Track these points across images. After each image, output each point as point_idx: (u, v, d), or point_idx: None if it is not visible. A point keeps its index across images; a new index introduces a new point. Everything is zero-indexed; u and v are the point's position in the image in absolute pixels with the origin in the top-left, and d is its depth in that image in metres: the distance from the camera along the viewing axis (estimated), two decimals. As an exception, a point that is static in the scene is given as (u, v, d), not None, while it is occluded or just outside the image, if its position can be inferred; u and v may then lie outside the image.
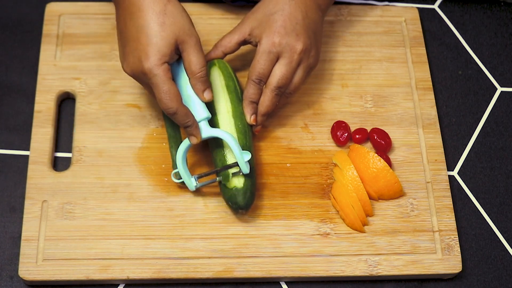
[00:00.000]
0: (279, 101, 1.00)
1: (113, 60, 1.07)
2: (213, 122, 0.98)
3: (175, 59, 0.94)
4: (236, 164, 0.94)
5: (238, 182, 0.95)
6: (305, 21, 0.98)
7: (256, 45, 0.99)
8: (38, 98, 1.03)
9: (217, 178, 0.96)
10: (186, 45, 0.92)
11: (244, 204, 0.94)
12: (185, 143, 0.95)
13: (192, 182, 0.96)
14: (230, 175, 0.94)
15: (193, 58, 0.92)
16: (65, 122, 1.04)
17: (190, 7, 1.12)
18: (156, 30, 0.90)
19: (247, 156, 0.94)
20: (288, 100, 1.02)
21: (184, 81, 0.95)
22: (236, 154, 0.93)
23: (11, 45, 1.10)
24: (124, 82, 1.06)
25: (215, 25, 1.11)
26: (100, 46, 1.08)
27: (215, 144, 0.97)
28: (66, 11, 1.10)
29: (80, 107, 1.04)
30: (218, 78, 1.00)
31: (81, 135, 1.02)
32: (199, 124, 0.94)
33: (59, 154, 1.02)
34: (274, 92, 0.98)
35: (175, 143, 1.01)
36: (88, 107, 1.04)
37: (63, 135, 1.03)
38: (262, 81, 0.98)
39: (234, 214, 0.97)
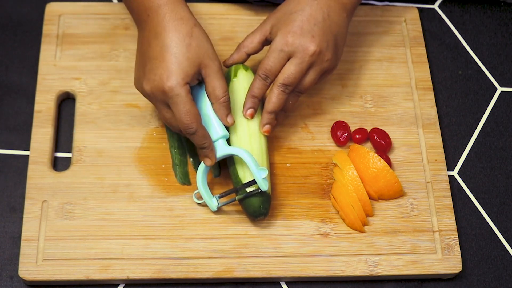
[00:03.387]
0: (288, 102, 0.98)
1: (113, 60, 1.07)
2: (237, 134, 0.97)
3: (195, 82, 0.93)
4: (253, 182, 0.94)
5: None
6: (325, 22, 0.96)
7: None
8: (38, 98, 1.03)
9: (237, 197, 0.95)
10: (209, 70, 0.92)
11: (266, 211, 0.95)
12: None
13: (213, 202, 0.95)
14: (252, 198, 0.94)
15: (216, 83, 0.93)
16: (65, 122, 1.04)
17: (190, 7, 1.11)
18: (182, 50, 0.91)
19: (264, 173, 0.93)
20: (297, 101, 1.00)
21: (203, 102, 0.95)
22: (253, 172, 0.93)
23: (11, 45, 1.10)
24: (124, 82, 1.06)
25: (215, 25, 1.11)
26: (100, 46, 1.08)
27: (233, 161, 0.97)
28: (66, 11, 1.10)
29: (80, 107, 1.04)
30: (243, 88, 0.99)
31: (81, 135, 1.02)
32: (217, 142, 0.94)
33: (59, 154, 1.02)
34: (279, 88, 0.96)
35: (175, 143, 1.01)
36: (88, 107, 1.04)
37: (63, 135, 1.03)
38: (269, 78, 0.96)
39: (251, 221, 0.97)
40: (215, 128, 0.94)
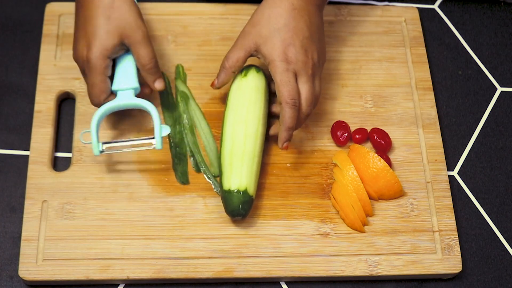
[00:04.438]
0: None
1: (113, 60, 1.07)
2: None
3: (120, 53, 0.97)
4: (151, 138, 0.96)
5: (234, 184, 0.94)
6: (310, 30, 0.96)
7: (263, 62, 0.97)
8: (38, 98, 1.03)
9: (124, 149, 0.97)
10: (131, 40, 0.95)
11: (237, 210, 0.94)
12: (108, 106, 0.96)
13: (98, 147, 0.96)
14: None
15: (140, 52, 0.95)
16: (65, 122, 1.04)
17: (190, 7, 1.12)
18: (101, 23, 0.93)
19: (166, 131, 0.95)
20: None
21: (125, 55, 0.98)
22: (155, 126, 0.95)
23: (11, 45, 1.10)
24: (124, 82, 1.06)
25: (215, 25, 1.11)
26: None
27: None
28: (66, 11, 1.10)
29: (80, 107, 1.04)
30: (251, 87, 0.99)
31: (81, 135, 1.02)
32: (126, 92, 0.97)
33: (59, 154, 1.02)
34: (309, 112, 0.96)
35: (175, 143, 1.01)
36: (88, 107, 1.04)
37: (63, 135, 1.03)
38: (296, 101, 0.94)
39: (231, 220, 0.97)
40: (129, 77, 0.97)
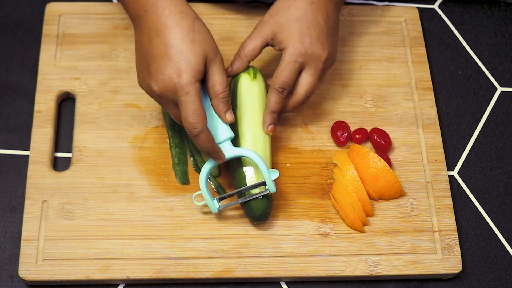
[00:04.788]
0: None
1: (113, 60, 1.07)
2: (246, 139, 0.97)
3: (203, 77, 0.91)
4: (261, 184, 0.93)
5: (261, 189, 0.95)
6: (327, 25, 0.97)
7: (278, 49, 0.97)
8: (38, 98, 1.03)
9: (239, 200, 0.95)
10: (213, 64, 0.90)
11: (265, 214, 0.95)
12: (209, 164, 0.94)
13: (215, 205, 0.94)
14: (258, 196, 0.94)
15: (217, 78, 0.91)
16: (65, 122, 1.04)
17: (190, 7, 1.12)
18: (188, 46, 0.88)
19: (275, 174, 0.93)
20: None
21: (207, 101, 0.93)
22: (264, 173, 0.92)
23: (11, 45, 1.10)
24: (124, 82, 1.06)
25: (215, 25, 1.11)
26: (100, 46, 1.08)
27: (239, 162, 0.96)
28: (66, 11, 1.10)
29: (80, 107, 1.04)
30: (261, 91, 0.99)
31: (81, 135, 1.02)
32: (223, 144, 0.93)
33: (59, 154, 1.02)
34: (300, 102, 0.98)
35: (175, 143, 1.01)
36: (88, 107, 1.04)
37: (63, 135, 1.03)
38: (285, 90, 0.96)
39: (252, 224, 0.97)
40: (220, 129, 0.93)
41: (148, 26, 0.90)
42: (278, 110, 0.97)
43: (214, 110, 0.93)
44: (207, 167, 0.94)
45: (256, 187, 0.94)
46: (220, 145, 0.93)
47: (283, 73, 0.95)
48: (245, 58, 0.98)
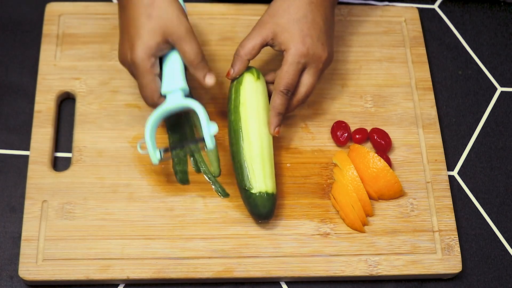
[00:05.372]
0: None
1: (113, 60, 1.07)
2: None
3: (164, 51, 0.94)
4: (201, 139, 0.94)
5: (269, 187, 0.94)
6: (326, 25, 0.98)
7: (278, 50, 0.98)
8: (38, 98, 1.03)
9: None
10: (175, 36, 0.93)
11: (270, 212, 0.95)
12: (159, 112, 0.94)
13: (156, 155, 0.94)
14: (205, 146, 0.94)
15: (186, 48, 0.93)
16: (65, 122, 1.04)
17: (190, 7, 1.12)
18: (143, 22, 0.92)
19: (214, 128, 0.93)
20: None
21: (171, 54, 0.96)
22: (202, 127, 0.93)
23: (11, 45, 1.10)
24: (124, 82, 1.06)
25: (215, 25, 1.11)
26: (100, 46, 1.08)
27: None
28: (66, 11, 1.10)
29: (80, 107, 1.04)
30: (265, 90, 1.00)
31: (81, 135, 1.02)
32: (175, 93, 0.94)
33: (59, 154, 1.02)
34: (301, 102, 0.99)
35: (175, 143, 1.01)
36: (88, 107, 1.04)
37: (63, 135, 1.03)
38: (290, 91, 0.97)
39: (255, 222, 0.97)
40: (176, 78, 0.95)
41: (119, 2, 0.96)
42: (283, 112, 0.97)
43: (195, 78, 0.95)
44: (156, 114, 0.94)
45: (197, 142, 0.97)
46: (171, 94, 0.94)
47: (287, 74, 0.96)
48: (245, 57, 0.98)
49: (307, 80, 0.98)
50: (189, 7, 1.11)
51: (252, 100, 0.97)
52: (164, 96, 0.95)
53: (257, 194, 0.94)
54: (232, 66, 0.98)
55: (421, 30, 1.13)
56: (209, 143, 0.92)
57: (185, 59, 0.94)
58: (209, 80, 0.95)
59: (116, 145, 1.01)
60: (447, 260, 0.96)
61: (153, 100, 0.94)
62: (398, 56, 1.11)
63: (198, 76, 0.95)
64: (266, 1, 1.13)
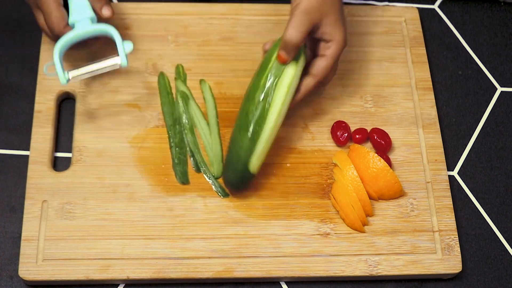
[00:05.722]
0: None
1: (113, 60, 1.07)
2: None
3: None
4: (115, 56, 0.97)
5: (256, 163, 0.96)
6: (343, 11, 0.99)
7: (320, 38, 0.96)
8: (38, 98, 1.03)
9: (90, 68, 0.98)
10: None
11: (238, 184, 0.97)
12: (69, 36, 0.96)
13: (64, 75, 0.96)
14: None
15: None
16: (65, 122, 1.04)
17: (190, 7, 1.12)
18: None
19: (129, 47, 0.96)
20: None
21: None
22: (117, 45, 0.95)
23: (11, 45, 1.10)
24: (124, 82, 1.06)
25: (215, 25, 1.11)
26: (100, 46, 1.08)
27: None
28: (66, 11, 1.10)
29: (80, 107, 1.04)
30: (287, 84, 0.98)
31: (81, 135, 1.02)
32: (84, 21, 0.96)
33: (59, 154, 1.02)
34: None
35: (175, 143, 1.01)
36: (88, 107, 1.04)
37: (63, 135, 1.03)
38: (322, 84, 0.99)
39: (230, 193, 0.99)
40: (83, 8, 0.97)
41: None
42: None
43: (94, 10, 0.97)
44: (62, 40, 0.96)
45: (109, 60, 0.97)
46: (79, 22, 0.97)
47: (333, 69, 0.98)
48: (300, 44, 0.94)
49: (335, 68, 1.00)
50: (190, 7, 1.12)
51: (284, 96, 0.95)
52: (72, 27, 0.97)
53: (248, 170, 0.95)
54: (286, 53, 0.94)
55: (421, 30, 1.13)
56: (124, 61, 0.96)
57: None
58: (106, 11, 0.97)
59: (116, 145, 1.01)
60: (447, 260, 0.97)
61: (59, 28, 0.96)
62: (398, 56, 1.11)
63: (96, 7, 0.97)
64: (266, 1, 1.13)
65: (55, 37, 0.97)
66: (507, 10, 1.18)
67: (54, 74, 0.96)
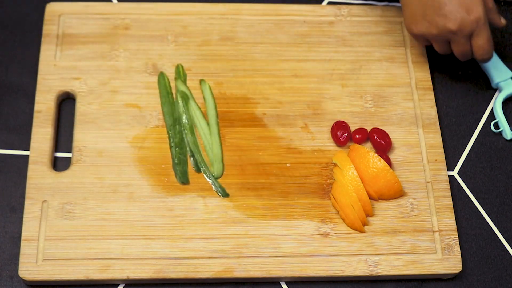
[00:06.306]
0: None
1: (113, 60, 1.07)
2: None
3: None
4: None
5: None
6: None
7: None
8: (38, 98, 1.04)
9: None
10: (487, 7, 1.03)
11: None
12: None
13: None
14: None
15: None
16: (65, 122, 1.04)
17: (190, 7, 1.12)
18: None
19: None
20: None
21: None
22: None
23: (11, 45, 1.10)
24: (124, 82, 1.06)
25: (215, 25, 1.11)
26: (100, 46, 1.08)
27: None
28: (66, 11, 1.10)
29: (80, 107, 1.04)
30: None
31: (81, 135, 1.02)
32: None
33: (59, 154, 1.02)
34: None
35: (175, 143, 1.01)
36: (88, 107, 1.04)
37: (63, 135, 1.03)
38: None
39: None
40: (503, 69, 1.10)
41: None
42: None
43: (490, 21, 1.03)
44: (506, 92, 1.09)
45: None
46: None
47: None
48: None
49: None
50: (190, 7, 1.12)
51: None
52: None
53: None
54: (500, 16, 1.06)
55: (421, 30, 1.13)
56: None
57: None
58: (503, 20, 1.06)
59: (116, 145, 1.01)
60: (447, 260, 0.97)
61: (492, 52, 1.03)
62: (398, 56, 1.11)
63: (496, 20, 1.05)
64: (266, 1, 1.14)
65: (487, 59, 1.04)
66: (507, 10, 1.18)
67: (500, 130, 1.07)
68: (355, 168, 0.97)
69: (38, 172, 0.99)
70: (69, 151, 1.02)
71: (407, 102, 1.07)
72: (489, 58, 1.03)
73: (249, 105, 1.05)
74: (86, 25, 1.10)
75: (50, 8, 1.10)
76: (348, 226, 0.98)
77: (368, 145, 1.04)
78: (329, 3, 1.15)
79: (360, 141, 1.03)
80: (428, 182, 1.01)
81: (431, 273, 0.96)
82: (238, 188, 0.99)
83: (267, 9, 1.12)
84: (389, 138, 1.03)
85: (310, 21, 1.12)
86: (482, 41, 1.01)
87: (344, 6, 1.14)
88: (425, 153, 1.04)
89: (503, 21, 1.04)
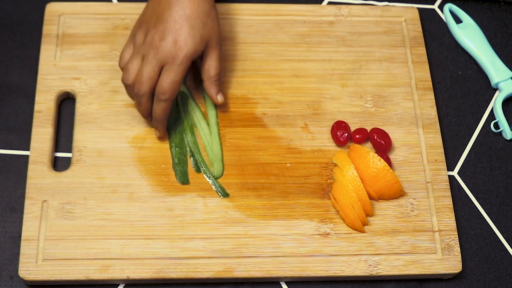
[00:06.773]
0: None
1: (113, 60, 1.07)
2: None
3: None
4: None
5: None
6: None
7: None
8: (38, 98, 1.04)
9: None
10: (212, 50, 0.99)
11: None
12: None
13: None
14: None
15: (213, 63, 0.99)
16: (65, 122, 1.04)
17: (190, 7, 1.12)
18: (198, 26, 0.96)
19: None
20: None
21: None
22: None
23: (11, 45, 1.10)
24: (124, 82, 1.06)
25: (215, 25, 1.11)
26: (100, 46, 1.08)
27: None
28: (66, 11, 1.10)
29: (80, 107, 1.04)
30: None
31: (81, 135, 1.02)
32: None
33: (59, 154, 1.02)
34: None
35: (175, 143, 1.01)
36: (88, 107, 1.04)
37: (63, 135, 1.03)
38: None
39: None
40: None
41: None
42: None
43: (206, 92, 1.01)
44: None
45: None
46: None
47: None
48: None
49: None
50: (189, 7, 1.12)
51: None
52: None
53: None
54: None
55: (421, 30, 1.13)
56: None
57: (206, 72, 1.00)
58: (221, 98, 1.01)
59: (116, 145, 1.01)
60: (447, 260, 0.97)
61: (171, 99, 0.97)
62: (398, 56, 1.11)
63: (211, 92, 1.01)
64: (266, 1, 1.14)
65: (164, 100, 0.98)
66: (507, 10, 1.18)
67: (499, 130, 1.07)
68: (355, 168, 0.98)
69: (38, 172, 0.99)
70: (69, 151, 1.02)
71: (407, 102, 1.07)
72: (164, 99, 0.97)
73: (249, 105, 1.05)
74: (86, 25, 1.10)
75: (50, 8, 1.10)
76: (348, 226, 0.98)
77: (368, 145, 1.04)
78: (329, 3, 1.15)
79: (360, 141, 1.03)
80: (428, 182, 1.01)
81: (431, 273, 0.96)
82: (238, 188, 0.99)
83: (267, 9, 1.12)
84: (389, 138, 1.03)
85: (310, 21, 1.12)
86: (165, 77, 0.95)
87: (344, 6, 1.14)
88: (425, 153, 1.04)
89: (220, 99, 1.01)
